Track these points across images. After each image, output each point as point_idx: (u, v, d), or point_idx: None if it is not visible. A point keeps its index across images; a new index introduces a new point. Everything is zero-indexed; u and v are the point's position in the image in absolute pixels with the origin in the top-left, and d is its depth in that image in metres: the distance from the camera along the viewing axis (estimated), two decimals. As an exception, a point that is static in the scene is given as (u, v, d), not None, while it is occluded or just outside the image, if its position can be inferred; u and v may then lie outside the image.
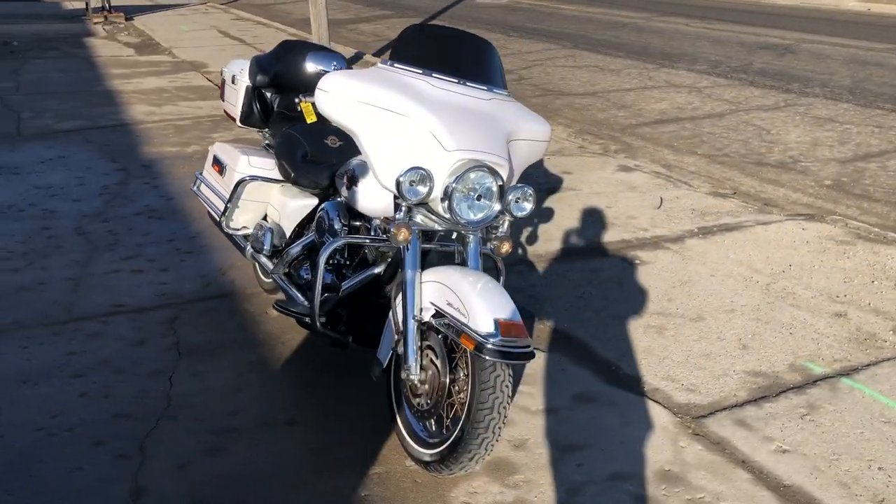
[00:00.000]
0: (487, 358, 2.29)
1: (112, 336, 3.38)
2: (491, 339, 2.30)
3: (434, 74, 2.63)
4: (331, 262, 3.00)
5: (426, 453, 2.54)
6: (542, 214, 4.94)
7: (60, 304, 3.64)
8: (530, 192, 2.64)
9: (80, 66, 9.73)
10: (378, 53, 10.91)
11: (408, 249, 2.56)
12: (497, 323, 2.33)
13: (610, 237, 4.61)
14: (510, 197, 2.61)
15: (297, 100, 3.24)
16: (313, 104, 2.93)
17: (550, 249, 4.42)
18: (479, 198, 2.54)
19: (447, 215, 2.54)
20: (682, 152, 6.64)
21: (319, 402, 2.95)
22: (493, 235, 2.70)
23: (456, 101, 2.61)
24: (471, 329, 2.33)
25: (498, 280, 2.90)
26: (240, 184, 3.31)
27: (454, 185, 2.48)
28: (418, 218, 2.59)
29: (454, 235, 2.74)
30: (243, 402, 2.94)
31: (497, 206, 2.57)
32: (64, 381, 3.03)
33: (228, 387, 3.03)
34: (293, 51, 3.43)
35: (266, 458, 2.64)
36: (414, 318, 2.52)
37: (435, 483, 2.54)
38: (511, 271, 4.11)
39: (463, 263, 2.68)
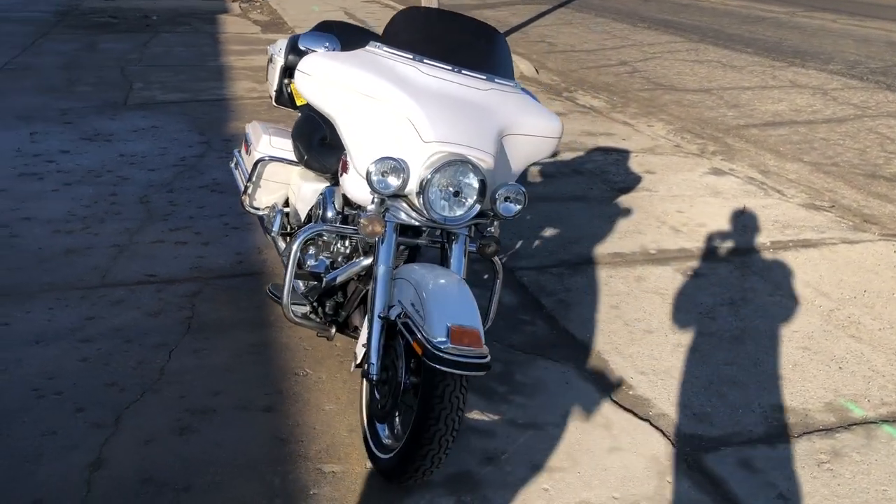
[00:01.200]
0: (433, 365, 2.15)
1: (133, 305, 3.45)
2: (440, 346, 2.16)
3: (425, 60, 2.49)
4: (332, 249, 2.93)
5: (381, 457, 2.43)
6: (604, 216, 4.68)
7: (98, 270, 3.76)
8: (521, 191, 2.46)
9: (204, 41, 10.12)
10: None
11: (382, 243, 2.45)
12: (449, 329, 2.18)
13: (669, 244, 4.30)
14: (498, 195, 2.44)
15: (285, 81, 3.18)
16: None
17: (600, 253, 4.18)
18: (456, 194, 2.39)
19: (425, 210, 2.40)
20: (786, 158, 6.14)
21: (302, 392, 2.89)
22: (481, 235, 2.54)
23: (445, 89, 2.46)
24: (423, 333, 2.20)
25: (495, 283, 2.75)
26: (258, 163, 3.29)
27: (430, 178, 2.34)
28: (399, 212, 2.46)
29: (438, 232, 2.59)
30: (230, 383, 2.92)
31: (477, 205, 2.41)
32: (72, 345, 3.12)
33: (222, 366, 3.02)
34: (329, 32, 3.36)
35: (231, 443, 2.61)
36: (380, 316, 2.41)
37: (387, 489, 2.42)
38: (548, 273, 3.91)
39: (448, 262, 2.54)
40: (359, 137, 2.44)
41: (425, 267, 2.43)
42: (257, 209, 3.43)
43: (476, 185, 2.40)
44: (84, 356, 3.06)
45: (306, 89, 2.47)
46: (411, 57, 2.49)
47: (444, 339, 2.16)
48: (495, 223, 2.53)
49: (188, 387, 2.89)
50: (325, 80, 2.44)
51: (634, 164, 5.76)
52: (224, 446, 2.59)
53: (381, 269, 2.43)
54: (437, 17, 2.64)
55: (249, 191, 3.39)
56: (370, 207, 2.42)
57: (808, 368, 3.16)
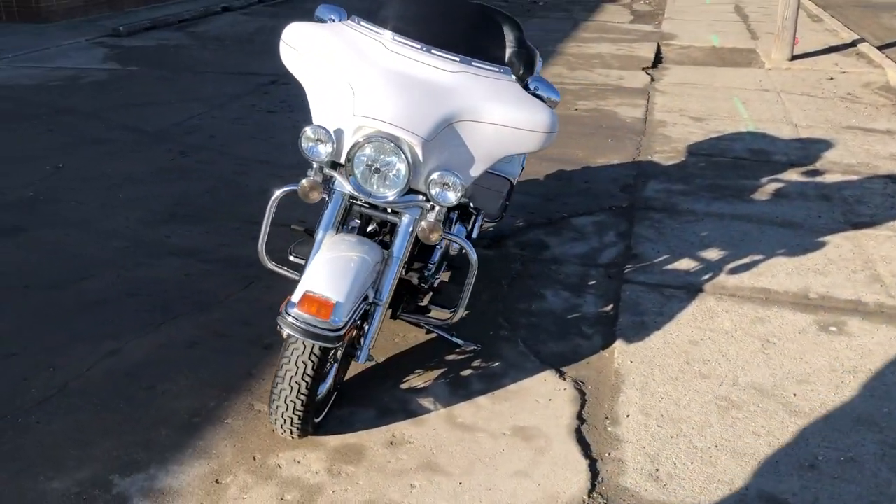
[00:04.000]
0: (280, 325, 2.24)
1: (243, 239, 3.94)
2: (289, 309, 2.24)
3: (396, 37, 2.49)
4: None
5: (276, 405, 2.57)
6: (799, 247, 3.99)
7: (253, 208, 4.29)
8: (455, 181, 2.36)
9: (564, 27, 10.44)
10: (840, 48, 9.32)
11: (327, 209, 2.56)
12: (303, 295, 2.24)
13: (844, 293, 3.53)
14: (431, 181, 2.38)
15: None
16: None
17: (742, 284, 3.60)
18: (377, 171, 2.40)
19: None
20: None
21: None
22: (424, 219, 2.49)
23: (401, 66, 2.45)
24: (292, 295, 2.29)
25: (468, 272, 2.66)
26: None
27: (352, 151, 2.39)
28: (343, 182, 2.50)
29: (388, 210, 2.58)
30: (263, 318, 3.24)
31: (394, 186, 2.39)
32: (190, 262, 3.72)
33: (271, 304, 3.33)
34: None
35: (216, 363, 2.94)
36: (306, 278, 2.52)
37: (273, 439, 2.54)
38: (658, 292, 3.52)
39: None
40: (315, 104, 2.55)
41: (348, 238, 2.48)
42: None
43: (400, 165, 2.37)
44: (189, 272, 3.63)
45: (284, 57, 2.64)
46: (381, 33, 2.51)
47: (294, 303, 2.24)
48: (436, 209, 2.44)
49: (231, 313, 3.29)
50: (299, 48, 2.59)
51: (913, 199, 4.72)
52: (208, 365, 2.94)
53: (319, 235, 2.54)
54: (430, -4, 2.61)
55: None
56: (310, 173, 2.53)
57: (863, 468, 2.46)
